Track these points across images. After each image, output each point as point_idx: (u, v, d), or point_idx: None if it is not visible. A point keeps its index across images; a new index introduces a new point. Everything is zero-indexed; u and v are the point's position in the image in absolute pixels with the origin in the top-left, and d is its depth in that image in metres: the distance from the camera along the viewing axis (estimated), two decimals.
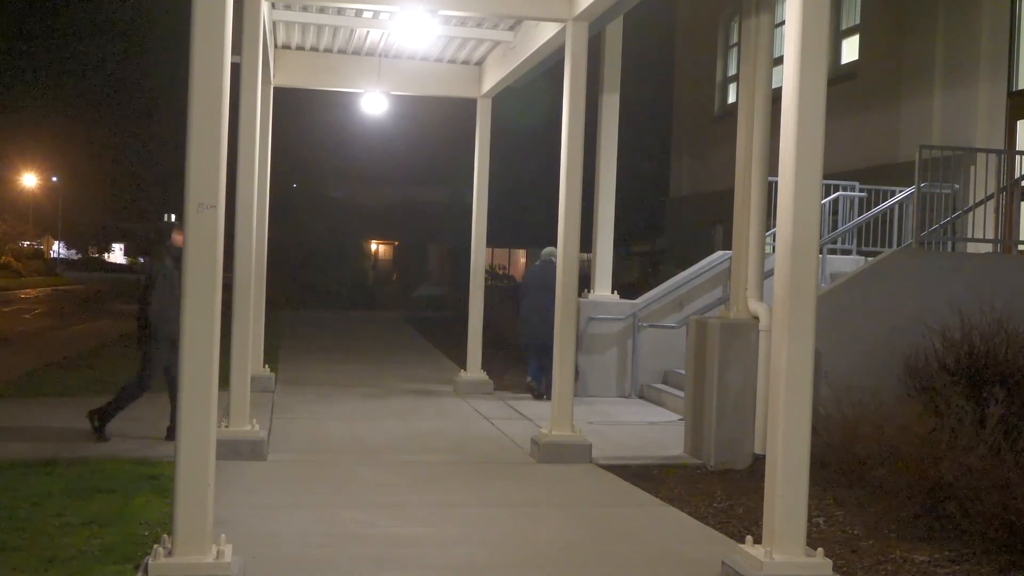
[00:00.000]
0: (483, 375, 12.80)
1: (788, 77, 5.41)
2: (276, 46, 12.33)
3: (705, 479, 8.16)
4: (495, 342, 14.70)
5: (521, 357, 13.07)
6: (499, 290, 23.50)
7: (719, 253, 13.25)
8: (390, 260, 47.38)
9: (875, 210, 12.06)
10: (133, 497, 6.90)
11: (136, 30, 61.96)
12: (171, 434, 9.04)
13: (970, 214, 10.78)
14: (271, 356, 13.83)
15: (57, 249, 66.19)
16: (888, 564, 5.87)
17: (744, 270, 8.65)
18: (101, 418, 9.00)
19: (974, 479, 6.20)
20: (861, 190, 12.81)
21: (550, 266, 11.22)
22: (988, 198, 10.74)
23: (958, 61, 13.24)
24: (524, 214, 35.77)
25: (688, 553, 6.10)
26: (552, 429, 8.80)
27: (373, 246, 47.86)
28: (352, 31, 11.76)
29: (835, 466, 7.37)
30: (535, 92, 14.97)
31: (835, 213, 12.60)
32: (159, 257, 9.04)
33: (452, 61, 12.89)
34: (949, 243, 10.69)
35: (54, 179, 63.50)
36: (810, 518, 5.62)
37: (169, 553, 4.96)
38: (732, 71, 20.35)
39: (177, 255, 8.93)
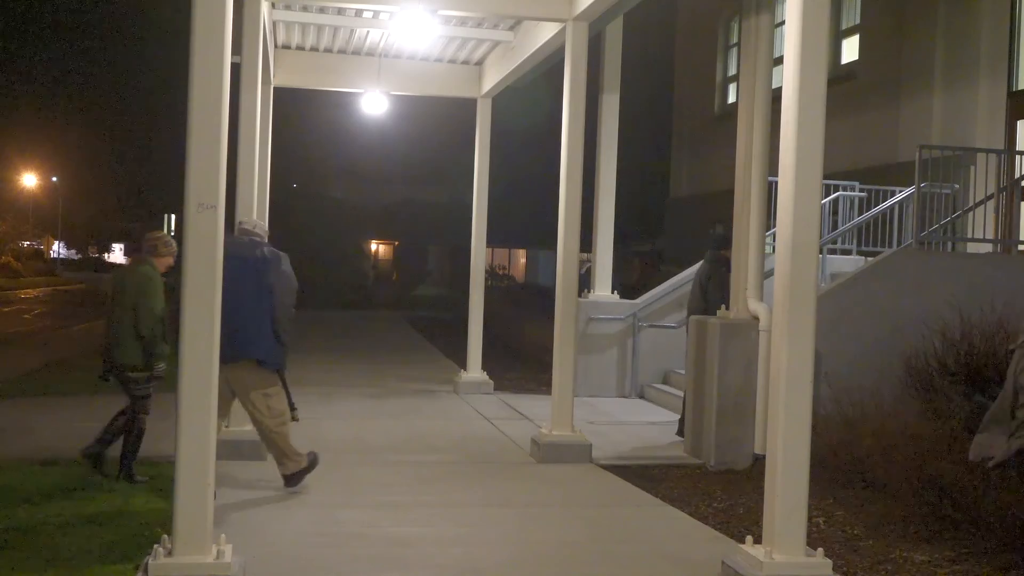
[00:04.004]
0: (483, 375, 12.80)
1: (788, 77, 5.41)
2: (276, 46, 12.32)
3: (705, 479, 8.15)
4: (495, 342, 14.69)
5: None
6: (499, 290, 23.47)
7: None
8: (390, 260, 47.39)
9: (875, 210, 12.06)
10: (133, 497, 6.91)
11: (136, 30, 61.92)
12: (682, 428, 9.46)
13: (970, 214, 10.78)
14: None
15: (57, 249, 66.09)
16: (888, 564, 5.87)
17: (744, 270, 8.65)
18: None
19: (974, 479, 6.20)
20: (861, 190, 12.80)
21: None
22: (988, 198, 10.74)
23: (958, 61, 13.24)
24: (524, 214, 35.73)
25: (688, 553, 6.10)
26: (552, 429, 8.81)
27: (373, 246, 47.87)
28: (352, 31, 11.75)
29: (835, 466, 7.37)
30: (535, 92, 14.96)
31: (835, 213, 12.60)
32: (714, 265, 9.47)
33: (452, 61, 12.89)
34: (949, 243, 10.69)
35: (54, 179, 63.45)
36: (810, 518, 5.61)
37: (169, 553, 4.96)
38: (732, 71, 20.34)
39: (726, 263, 9.10)
